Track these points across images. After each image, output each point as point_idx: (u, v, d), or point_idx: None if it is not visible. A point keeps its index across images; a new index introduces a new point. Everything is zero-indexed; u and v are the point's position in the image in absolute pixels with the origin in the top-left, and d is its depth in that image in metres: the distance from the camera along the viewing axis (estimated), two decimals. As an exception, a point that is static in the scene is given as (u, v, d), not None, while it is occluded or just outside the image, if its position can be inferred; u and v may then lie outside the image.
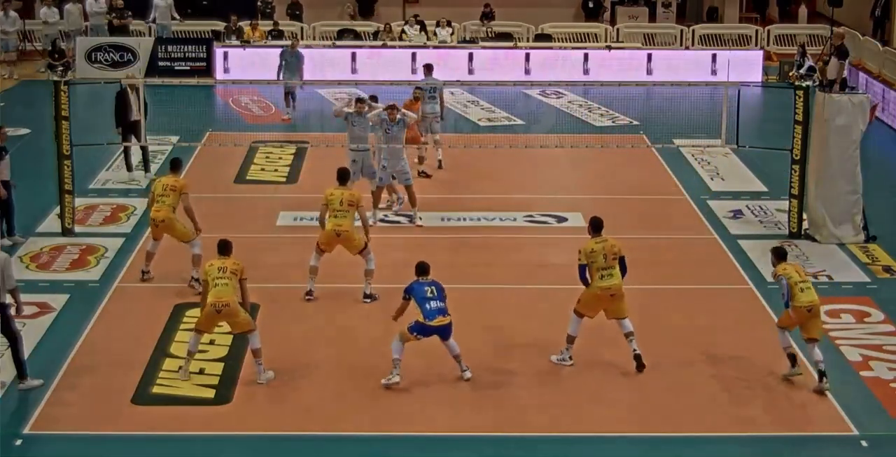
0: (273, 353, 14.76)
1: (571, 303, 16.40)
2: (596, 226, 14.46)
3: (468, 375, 14.02)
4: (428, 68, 23.26)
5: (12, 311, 13.73)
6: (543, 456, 12.57)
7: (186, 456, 12.58)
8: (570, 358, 14.47)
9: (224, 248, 14.34)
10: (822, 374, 13.76)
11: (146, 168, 22.37)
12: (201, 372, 14.17)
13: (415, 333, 13.74)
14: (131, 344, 14.93)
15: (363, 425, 13.02)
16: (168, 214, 16.59)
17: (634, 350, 14.33)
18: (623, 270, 14.38)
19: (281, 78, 27.15)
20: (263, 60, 29.58)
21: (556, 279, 17.37)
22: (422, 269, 14.13)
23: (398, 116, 19.53)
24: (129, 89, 21.63)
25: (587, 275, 14.30)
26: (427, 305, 13.69)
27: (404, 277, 17.23)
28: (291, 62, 27.20)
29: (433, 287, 13.85)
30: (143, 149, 22.08)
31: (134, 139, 21.62)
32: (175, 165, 17.27)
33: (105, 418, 13.15)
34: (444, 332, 13.80)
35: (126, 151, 22.30)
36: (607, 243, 14.32)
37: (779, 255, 14.23)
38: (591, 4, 37.54)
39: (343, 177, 16.75)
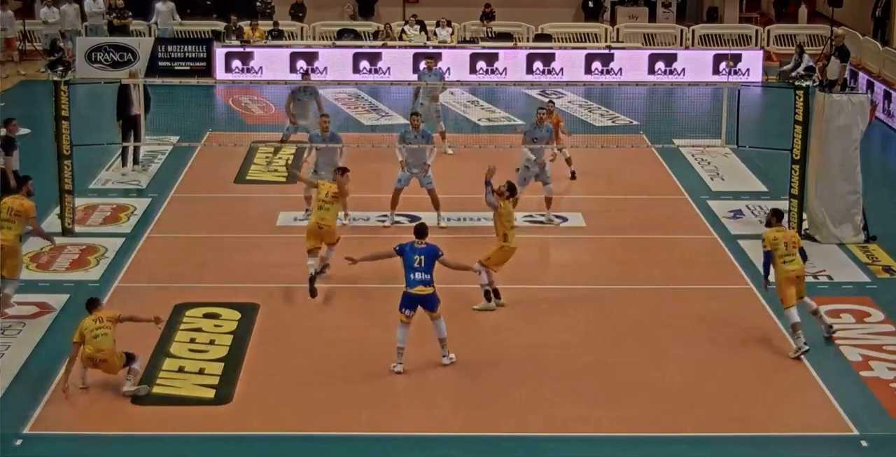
0: (272, 352, 14.80)
1: (571, 303, 16.49)
2: (779, 215, 15.25)
3: (447, 361, 14.19)
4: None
5: None
6: (543, 456, 12.57)
7: (186, 456, 12.58)
8: (805, 343, 14.69)
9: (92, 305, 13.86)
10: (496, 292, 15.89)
11: (135, 161, 22.54)
12: (201, 372, 14.17)
13: (403, 310, 13.95)
14: (131, 344, 14.90)
15: (362, 425, 13.01)
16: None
17: (829, 326, 15.27)
18: (804, 257, 15.06)
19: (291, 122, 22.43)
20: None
21: (555, 279, 17.39)
22: (420, 231, 14.21)
23: (421, 126, 19.50)
24: (131, 84, 21.76)
25: (770, 262, 14.93)
26: (412, 275, 13.93)
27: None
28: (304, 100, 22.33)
29: (423, 256, 13.97)
30: (137, 140, 22.14)
31: (133, 139, 21.69)
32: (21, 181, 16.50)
33: (105, 418, 13.14)
34: (428, 302, 14.01)
35: (125, 148, 22.33)
36: (787, 233, 15.17)
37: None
38: (590, 4, 37.54)
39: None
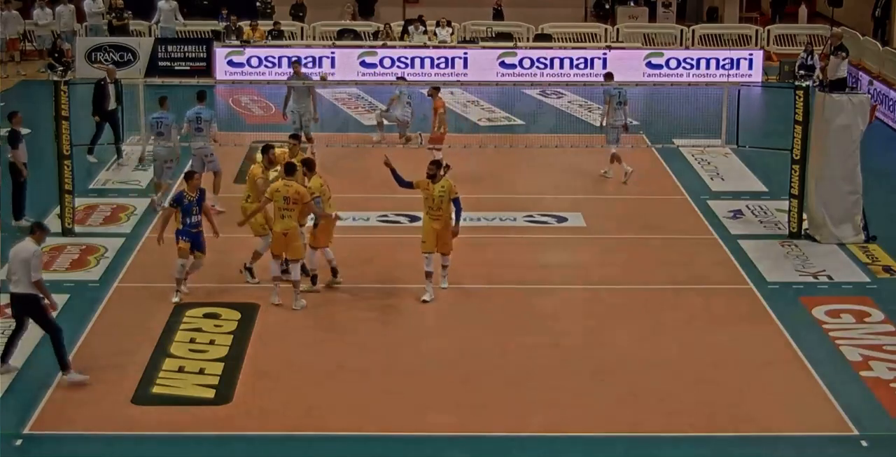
0: (272, 352, 14.81)
1: (571, 303, 16.51)
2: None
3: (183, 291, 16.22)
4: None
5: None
6: (543, 456, 12.57)
7: (186, 456, 12.59)
8: None
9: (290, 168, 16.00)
10: (334, 270, 16.54)
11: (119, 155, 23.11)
12: (201, 372, 14.17)
13: (181, 237, 16.20)
14: (131, 344, 14.93)
15: (362, 425, 13.01)
16: None
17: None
18: None
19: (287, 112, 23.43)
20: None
21: (555, 279, 17.38)
22: (189, 176, 16.36)
23: None
24: (108, 80, 22.53)
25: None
26: (188, 220, 16.15)
27: (402, 278, 17.25)
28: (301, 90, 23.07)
29: (198, 206, 16.25)
30: (116, 134, 22.50)
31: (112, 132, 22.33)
32: None
33: (105, 418, 13.14)
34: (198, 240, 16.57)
35: (98, 133, 22.70)
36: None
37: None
38: (602, 5, 37.58)
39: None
